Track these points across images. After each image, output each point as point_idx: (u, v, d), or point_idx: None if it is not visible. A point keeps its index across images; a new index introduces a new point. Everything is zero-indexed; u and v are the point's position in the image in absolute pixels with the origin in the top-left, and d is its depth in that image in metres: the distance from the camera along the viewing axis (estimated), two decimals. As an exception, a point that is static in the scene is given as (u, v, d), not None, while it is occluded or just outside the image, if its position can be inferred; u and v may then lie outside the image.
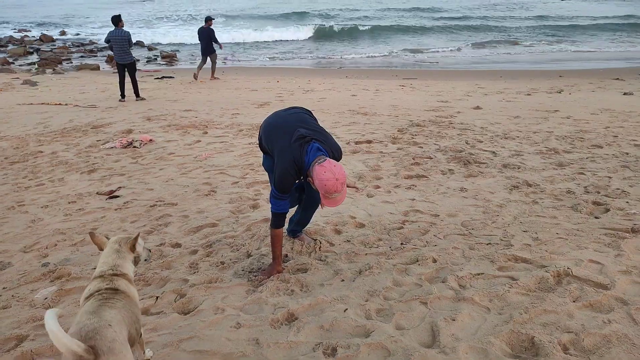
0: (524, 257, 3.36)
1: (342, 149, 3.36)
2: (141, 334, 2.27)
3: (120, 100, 11.13)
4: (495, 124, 8.02)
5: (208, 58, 14.68)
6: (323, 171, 2.82)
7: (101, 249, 2.40)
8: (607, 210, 4.25)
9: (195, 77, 14.61)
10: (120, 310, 2.03)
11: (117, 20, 10.71)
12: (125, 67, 11.06)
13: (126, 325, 2.00)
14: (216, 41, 14.41)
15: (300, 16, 36.43)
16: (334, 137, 3.33)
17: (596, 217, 4.12)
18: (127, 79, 11.15)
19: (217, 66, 15.32)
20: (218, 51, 14.91)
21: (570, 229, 3.86)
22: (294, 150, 2.98)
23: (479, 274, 3.16)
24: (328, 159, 2.91)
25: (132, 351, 1.99)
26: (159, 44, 24.85)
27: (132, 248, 2.40)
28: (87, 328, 1.82)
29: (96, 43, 24.23)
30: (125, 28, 11.10)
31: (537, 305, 2.75)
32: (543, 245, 3.55)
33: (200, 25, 14.77)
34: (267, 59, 21.38)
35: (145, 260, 2.59)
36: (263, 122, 3.38)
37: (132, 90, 11.27)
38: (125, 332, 1.96)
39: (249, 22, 33.36)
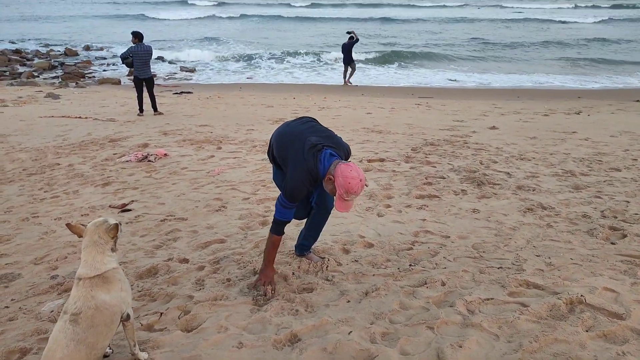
0: (536, 283, 3.27)
1: None
2: (129, 317, 2.48)
3: (138, 115, 11.31)
4: (511, 145, 7.92)
5: (349, 67, 18.34)
6: (349, 169, 2.88)
7: (80, 237, 2.44)
8: (624, 236, 4.13)
9: (345, 83, 18.46)
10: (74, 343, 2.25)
11: (141, 35, 10.98)
12: (144, 82, 11.25)
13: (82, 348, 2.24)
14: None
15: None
16: None
17: (612, 243, 4.01)
18: (145, 93, 11.34)
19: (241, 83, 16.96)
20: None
21: (585, 255, 3.75)
22: (308, 160, 3.03)
23: (488, 299, 3.08)
24: (351, 162, 2.99)
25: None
26: (178, 60, 25.23)
27: (114, 236, 2.47)
28: None
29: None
30: (146, 43, 11.29)
31: (548, 333, 2.66)
32: (556, 271, 3.46)
33: None
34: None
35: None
36: (274, 132, 3.44)
37: (151, 105, 11.46)
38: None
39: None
